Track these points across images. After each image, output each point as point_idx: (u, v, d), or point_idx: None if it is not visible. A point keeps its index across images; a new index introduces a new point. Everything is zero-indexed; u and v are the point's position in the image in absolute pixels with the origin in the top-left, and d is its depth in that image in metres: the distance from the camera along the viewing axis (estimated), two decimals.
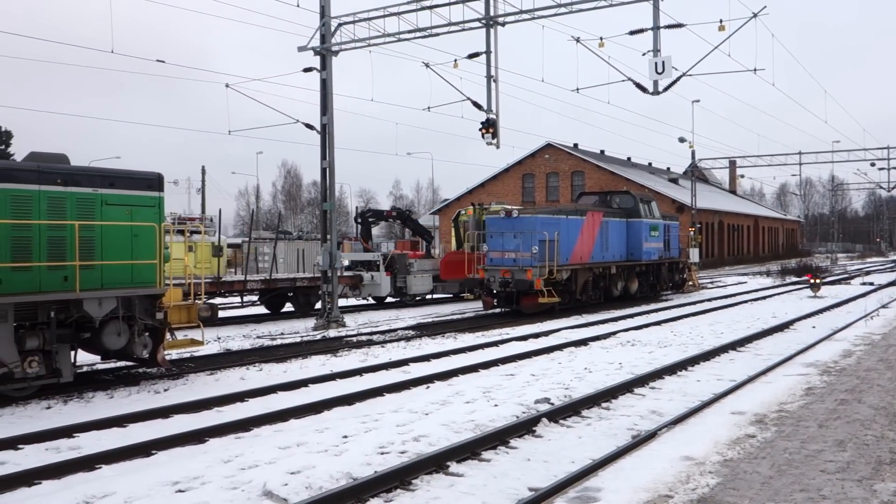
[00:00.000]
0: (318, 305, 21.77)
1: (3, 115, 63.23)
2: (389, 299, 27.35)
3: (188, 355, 14.49)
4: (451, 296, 28.55)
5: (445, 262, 26.92)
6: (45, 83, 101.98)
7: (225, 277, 22.22)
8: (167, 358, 12.57)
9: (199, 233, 29.93)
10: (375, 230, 34.06)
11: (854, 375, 10.40)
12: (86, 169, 12.01)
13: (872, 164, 58.67)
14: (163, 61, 22.46)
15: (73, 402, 10.68)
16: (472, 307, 25.36)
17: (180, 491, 6.60)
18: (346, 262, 25.36)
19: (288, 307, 23.61)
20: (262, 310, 23.76)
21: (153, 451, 8.02)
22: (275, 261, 26.10)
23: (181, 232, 27.64)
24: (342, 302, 24.06)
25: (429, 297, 28.05)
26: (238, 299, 23.64)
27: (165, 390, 11.51)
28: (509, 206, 29.09)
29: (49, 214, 10.66)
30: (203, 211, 55.62)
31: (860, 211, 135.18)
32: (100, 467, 7.51)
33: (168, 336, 12.41)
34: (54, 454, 8.05)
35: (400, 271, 26.14)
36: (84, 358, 12.44)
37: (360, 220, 28.80)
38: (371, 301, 27.11)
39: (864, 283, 36.67)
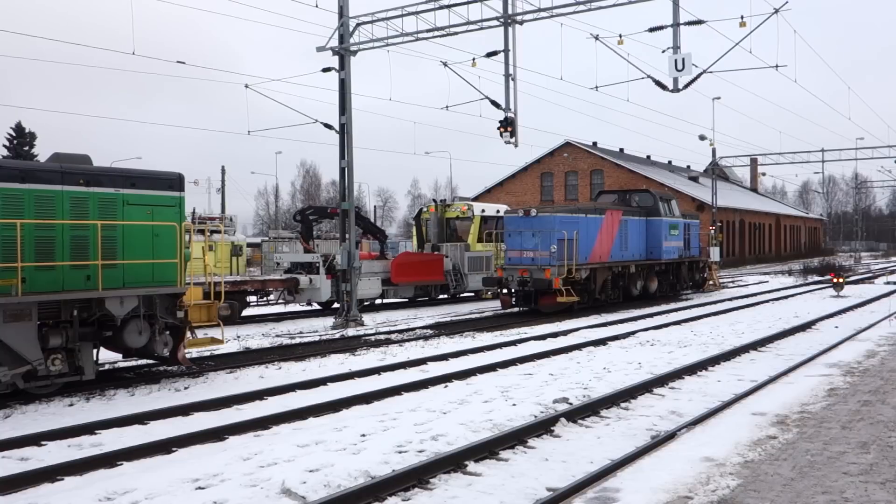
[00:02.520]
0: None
1: (27, 117, 64.10)
2: (382, 300, 25.41)
3: (208, 353, 14.61)
4: (406, 300, 26.49)
5: (397, 263, 24.98)
6: (68, 85, 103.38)
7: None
8: (187, 356, 12.68)
9: (219, 232, 30.17)
10: (391, 229, 33.09)
11: (878, 376, 10.25)
12: (108, 169, 12.15)
13: None
14: (183, 62, 22.69)
15: (95, 399, 10.81)
16: (491, 306, 25.31)
17: (200, 488, 6.66)
18: (284, 264, 23.63)
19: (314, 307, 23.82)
20: (280, 308, 23.85)
21: (174, 449, 8.09)
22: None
23: (201, 231, 27.90)
24: (272, 309, 23.05)
25: (378, 302, 25.55)
26: (254, 298, 23.86)
27: (186, 388, 11.61)
28: (470, 202, 28.87)
29: (72, 214, 10.80)
30: (223, 210, 56.05)
31: (884, 209, 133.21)
32: (121, 464, 7.60)
33: (188, 334, 12.52)
34: (76, 451, 8.15)
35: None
36: (106, 356, 12.59)
37: (299, 219, 25.66)
38: (316, 307, 24.55)
39: (888, 283, 36.13)
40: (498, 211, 29.14)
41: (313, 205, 34.51)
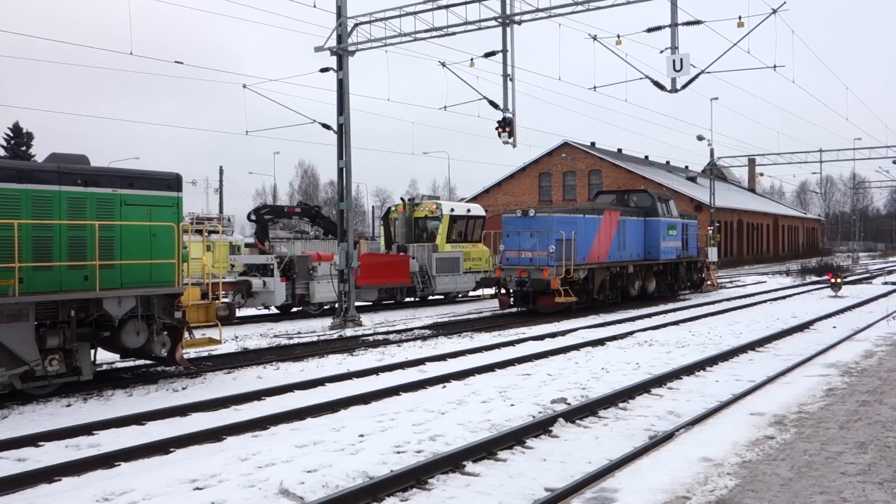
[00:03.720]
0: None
1: (25, 117, 64.03)
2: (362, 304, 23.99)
3: (206, 354, 14.60)
4: (370, 303, 24.98)
5: (360, 264, 22.99)
6: (66, 85, 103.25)
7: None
8: (185, 356, 12.67)
9: (216, 232, 30.17)
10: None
11: (876, 376, 10.27)
12: (105, 169, 12.14)
13: (895, 162, 57.85)
14: (181, 62, 22.70)
15: (93, 399, 10.79)
16: (489, 306, 25.31)
17: (198, 489, 6.65)
18: (238, 267, 22.60)
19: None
20: (362, 302, 23.67)
21: (171, 449, 8.08)
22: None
23: (199, 231, 27.84)
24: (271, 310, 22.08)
25: (337, 306, 24.26)
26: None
27: (184, 388, 11.60)
28: (439, 201, 27.67)
29: (69, 214, 10.78)
30: (221, 211, 56.01)
31: (882, 209, 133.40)
32: (119, 464, 7.58)
33: (186, 335, 12.51)
34: (74, 451, 8.14)
35: (300, 276, 22.30)
36: (104, 356, 12.57)
37: (254, 218, 23.88)
38: (274, 310, 23.22)
39: (886, 283, 36.18)
40: (468, 210, 28.23)
41: (268, 203, 32.21)
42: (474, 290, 28.29)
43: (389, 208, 27.54)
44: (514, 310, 23.26)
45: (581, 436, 8.47)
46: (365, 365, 13.43)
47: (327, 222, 25.91)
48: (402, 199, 26.99)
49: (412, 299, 26.56)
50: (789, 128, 69.95)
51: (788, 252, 77.27)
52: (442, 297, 27.78)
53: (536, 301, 22.15)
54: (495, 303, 24.53)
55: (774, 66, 19.84)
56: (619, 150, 65.64)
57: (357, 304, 24.52)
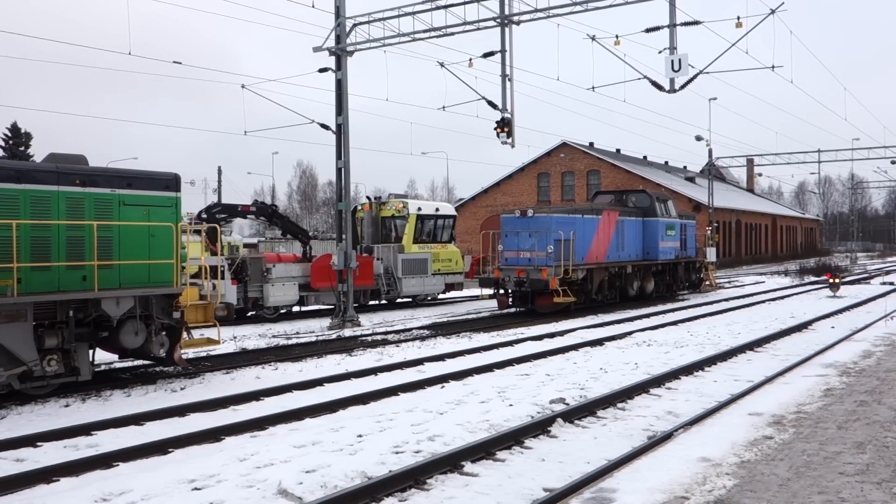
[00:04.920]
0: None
1: (23, 117, 63.99)
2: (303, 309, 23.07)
3: (205, 354, 14.59)
4: (330, 307, 23.02)
5: (317, 266, 22.32)
6: (64, 85, 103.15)
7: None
8: (184, 357, 12.67)
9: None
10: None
11: (874, 376, 10.27)
12: (104, 170, 12.13)
13: (893, 162, 57.88)
14: (179, 63, 22.70)
15: (92, 400, 10.78)
16: (487, 307, 25.32)
17: (196, 489, 6.64)
18: (191, 269, 21.89)
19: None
20: (322, 306, 23.47)
21: (170, 450, 8.08)
22: None
23: (197, 232, 27.74)
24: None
25: (296, 309, 23.21)
26: None
27: (182, 389, 11.59)
28: (406, 200, 26.71)
29: (68, 215, 10.77)
30: None
31: (880, 209, 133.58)
32: (117, 465, 7.58)
33: (185, 335, 12.51)
34: (73, 452, 8.13)
35: (253, 279, 21.27)
36: (102, 357, 12.56)
37: (205, 216, 22.18)
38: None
39: (884, 283, 36.20)
40: (437, 210, 27.17)
41: (222, 202, 29.92)
42: (443, 292, 27.42)
43: (356, 207, 26.43)
44: (513, 310, 23.27)
45: (580, 436, 8.47)
46: (363, 365, 13.43)
47: (284, 221, 24.75)
48: (368, 197, 25.63)
49: (376, 302, 25.45)
50: (788, 128, 70.06)
51: (787, 252, 77.33)
52: (409, 299, 26.68)
53: (535, 301, 22.16)
54: (494, 303, 24.53)
55: (773, 67, 19.89)
56: (618, 151, 65.66)
57: (314, 307, 23.62)
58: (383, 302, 25.79)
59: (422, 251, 25.81)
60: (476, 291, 30.04)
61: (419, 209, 26.38)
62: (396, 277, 24.85)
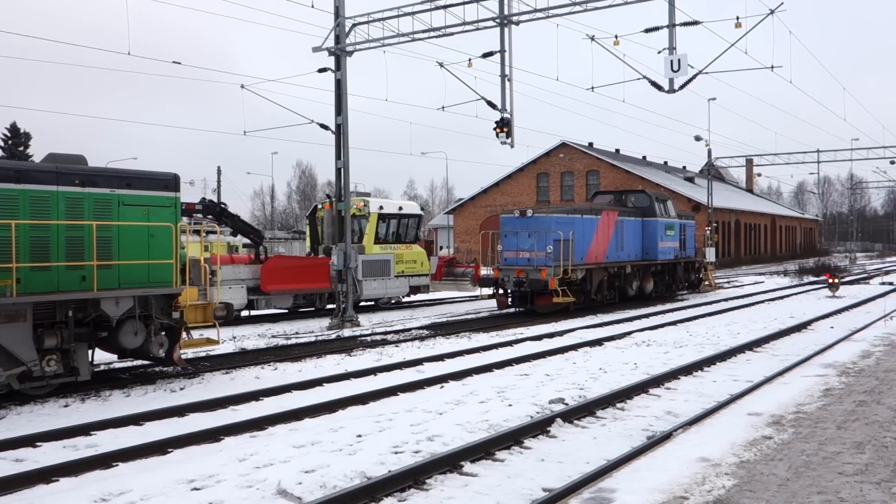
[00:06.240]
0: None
1: (22, 117, 63.96)
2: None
3: (204, 354, 14.59)
4: (286, 311, 22.31)
5: (267, 268, 21.00)
6: (64, 85, 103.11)
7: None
8: (183, 357, 12.66)
9: (214, 233, 30.07)
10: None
11: (873, 376, 10.28)
12: (103, 170, 12.12)
13: (892, 162, 57.94)
14: (179, 63, 22.68)
15: (91, 400, 10.78)
16: (487, 307, 25.32)
17: (196, 489, 6.64)
18: None
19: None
20: (275, 310, 23.60)
21: (169, 450, 8.08)
22: None
23: (196, 232, 27.68)
24: (270, 310, 20.85)
25: (245, 314, 21.80)
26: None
27: (181, 389, 11.59)
28: (367, 198, 25.26)
29: (67, 215, 10.77)
30: None
31: (879, 209, 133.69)
32: (116, 465, 7.58)
33: (184, 335, 12.50)
34: (72, 452, 8.13)
35: (195, 282, 21.16)
36: (101, 357, 12.56)
37: None
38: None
39: (883, 283, 36.22)
40: (400, 208, 25.76)
41: (212, 200, 28.31)
42: (408, 295, 26.18)
43: (316, 206, 25.00)
44: (512, 310, 23.27)
45: (579, 436, 8.48)
46: (363, 365, 13.43)
47: (235, 221, 22.74)
48: (327, 195, 23.66)
49: (334, 307, 23.53)
50: (787, 128, 70.07)
51: (786, 252, 77.35)
52: (371, 303, 25.33)
53: (534, 301, 22.16)
54: (493, 303, 24.53)
55: (772, 67, 19.89)
56: (617, 151, 65.65)
57: (267, 311, 22.44)
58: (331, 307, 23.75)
59: (384, 252, 24.43)
60: (443, 294, 28.87)
61: (381, 208, 25.07)
62: (356, 279, 22.86)
